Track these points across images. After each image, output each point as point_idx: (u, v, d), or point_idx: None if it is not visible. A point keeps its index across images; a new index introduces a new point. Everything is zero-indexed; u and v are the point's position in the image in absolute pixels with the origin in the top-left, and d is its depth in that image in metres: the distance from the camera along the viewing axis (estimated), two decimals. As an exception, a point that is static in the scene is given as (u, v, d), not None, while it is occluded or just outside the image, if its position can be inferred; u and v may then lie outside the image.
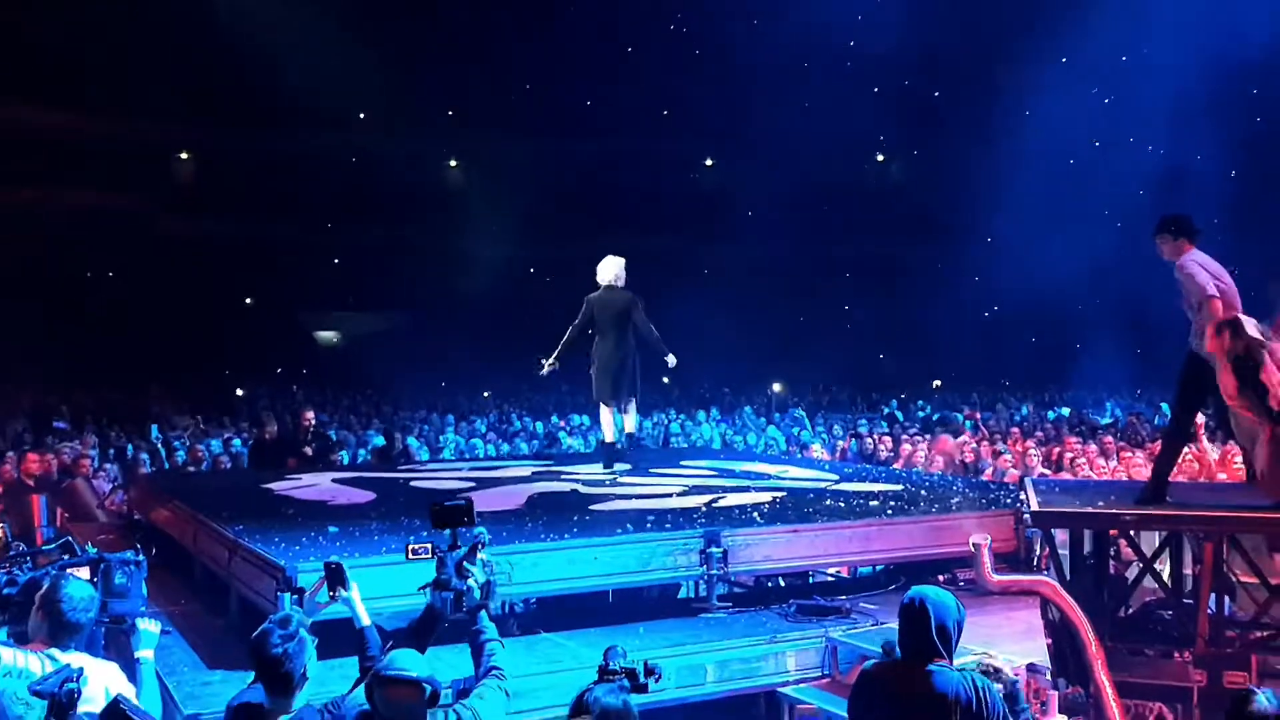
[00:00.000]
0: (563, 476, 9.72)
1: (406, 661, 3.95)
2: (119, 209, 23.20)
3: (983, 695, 4.11)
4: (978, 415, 14.52)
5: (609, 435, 10.14)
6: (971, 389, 22.50)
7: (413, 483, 9.53)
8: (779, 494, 8.47)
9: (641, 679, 4.32)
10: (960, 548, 7.27)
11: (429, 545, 4.81)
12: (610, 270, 9.87)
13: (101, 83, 21.39)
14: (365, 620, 4.80)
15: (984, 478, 11.09)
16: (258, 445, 12.77)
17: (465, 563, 4.61)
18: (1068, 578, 7.36)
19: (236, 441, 14.30)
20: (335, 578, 4.85)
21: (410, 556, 4.85)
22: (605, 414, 10.09)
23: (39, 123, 21.89)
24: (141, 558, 5.09)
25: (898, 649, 4.33)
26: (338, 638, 4.84)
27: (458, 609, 4.56)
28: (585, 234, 23.49)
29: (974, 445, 12.28)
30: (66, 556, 5.12)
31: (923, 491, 8.73)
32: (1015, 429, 15.16)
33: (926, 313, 22.85)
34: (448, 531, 4.77)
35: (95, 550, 5.19)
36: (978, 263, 22.94)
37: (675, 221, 24.56)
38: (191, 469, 12.58)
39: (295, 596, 5.54)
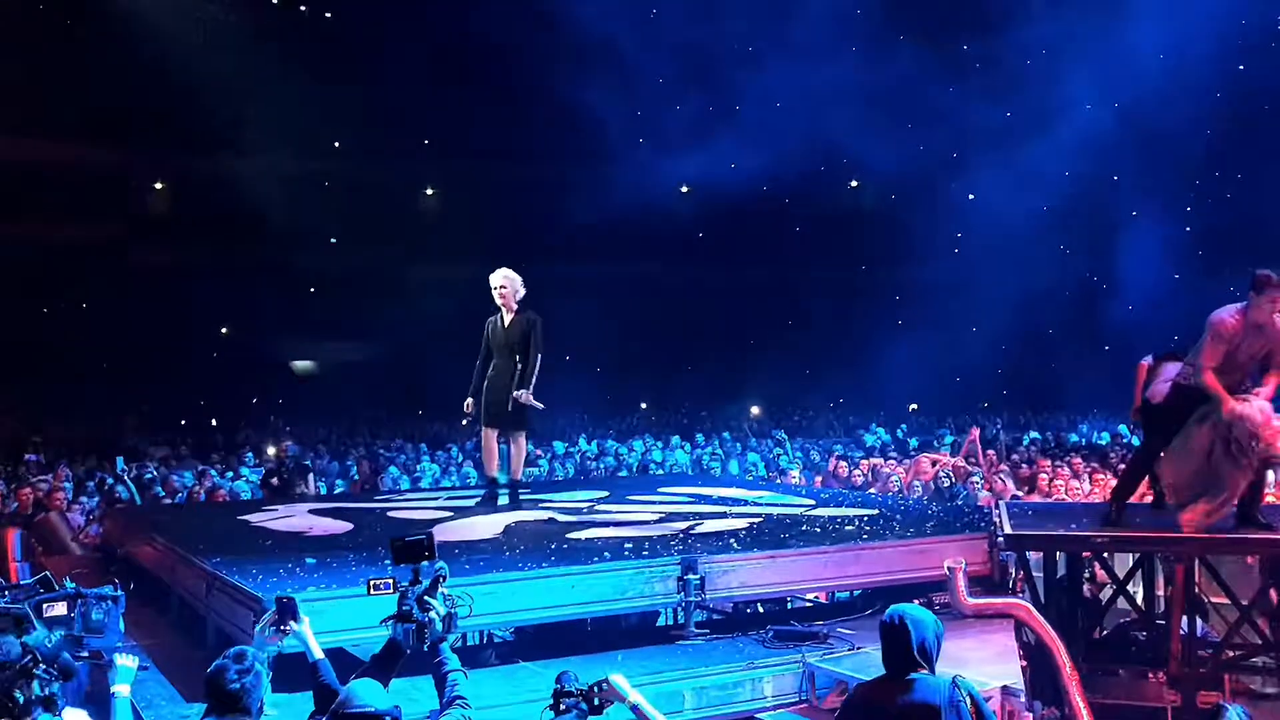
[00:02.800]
0: (540, 505, 9.72)
1: (368, 695, 3.95)
2: (90, 239, 23.09)
3: (970, 698, 4.17)
4: (975, 437, 14.53)
5: (491, 468, 9.47)
6: (947, 412, 22.66)
7: (390, 513, 9.51)
8: (756, 520, 8.51)
9: (596, 702, 4.37)
10: (936, 572, 7.33)
11: (390, 580, 4.81)
12: (496, 284, 9.10)
13: (69, 110, 21.34)
14: (318, 653, 4.76)
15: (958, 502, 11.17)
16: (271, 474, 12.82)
17: (426, 596, 4.63)
18: (1042, 600, 7.42)
19: (213, 473, 14.21)
20: (285, 612, 4.84)
21: (371, 591, 4.85)
22: (489, 441, 9.36)
23: (9, 153, 21.80)
24: (119, 593, 5.09)
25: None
26: (298, 671, 4.83)
27: (420, 641, 4.56)
28: (563, 259, 23.63)
29: (948, 470, 12.35)
30: (44, 591, 5.11)
31: (898, 516, 8.79)
32: (989, 451, 15.26)
33: (901, 336, 23.01)
34: (409, 567, 4.79)
35: (73, 585, 5.18)
36: (951, 285, 23.16)
37: (655, 246, 24.65)
38: (166, 501, 12.50)
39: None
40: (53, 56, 19.97)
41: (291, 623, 4.78)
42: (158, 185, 24.84)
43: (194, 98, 21.24)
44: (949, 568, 7.11)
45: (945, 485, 11.85)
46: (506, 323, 9.06)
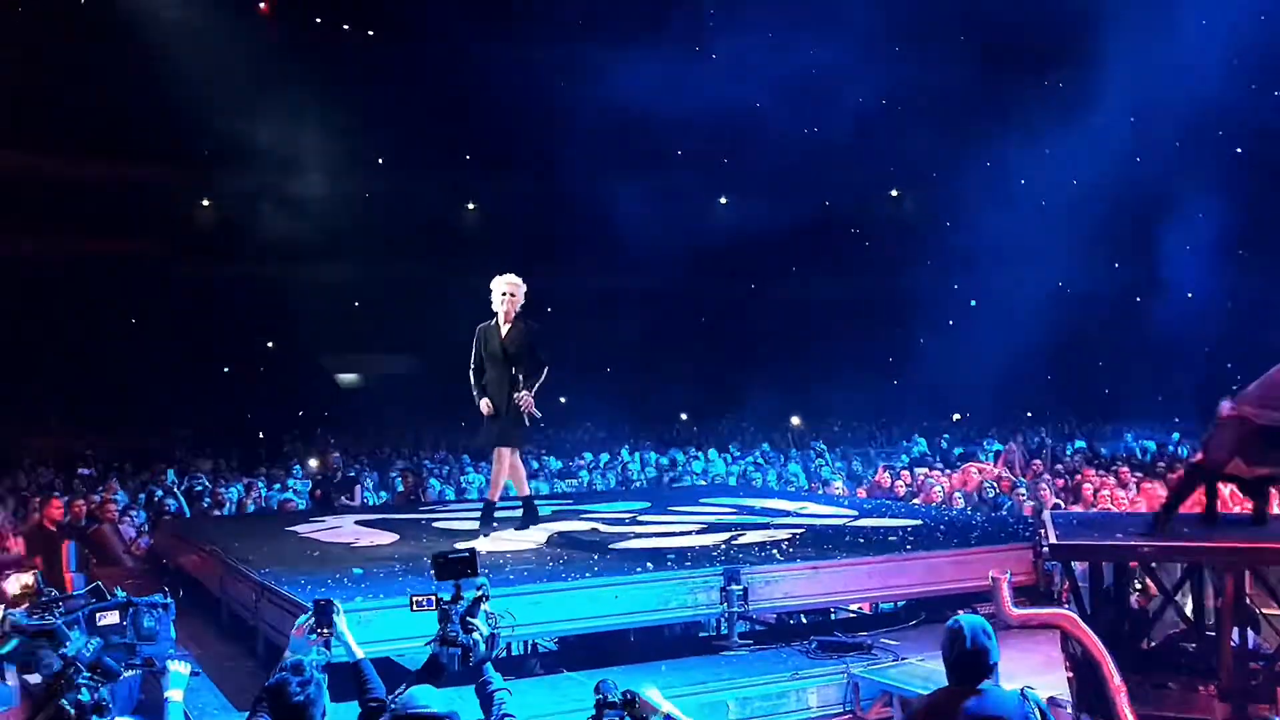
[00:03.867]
0: (582, 515, 9.77)
1: (428, 699, 3.95)
2: (138, 254, 23.49)
3: (1040, 711, 4.14)
4: (1015, 447, 14.41)
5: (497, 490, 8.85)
6: (990, 422, 22.48)
7: (435, 523, 9.59)
8: (798, 531, 8.50)
9: (638, 709, 4.38)
10: (980, 582, 7.29)
11: (433, 597, 4.83)
12: (505, 290, 8.53)
13: (115, 128, 21.73)
14: (358, 653, 4.75)
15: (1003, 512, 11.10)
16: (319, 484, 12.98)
17: (469, 616, 4.65)
18: (1088, 611, 7.35)
19: (261, 484, 14.41)
20: (323, 615, 4.88)
21: (414, 608, 4.89)
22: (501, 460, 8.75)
23: (62, 172, 22.25)
24: (170, 601, 5.17)
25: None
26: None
27: (464, 664, 4.58)
28: (603, 271, 23.76)
29: (993, 480, 12.27)
30: (96, 601, 5.21)
31: (942, 526, 8.75)
32: (1036, 461, 15.14)
33: (945, 346, 22.86)
34: (451, 582, 4.82)
35: (124, 594, 5.27)
36: (998, 294, 22.98)
37: (696, 257, 24.67)
38: (216, 513, 12.68)
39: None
40: (99, 76, 20.31)
41: (325, 628, 4.83)
42: (204, 201, 25.20)
43: (238, 115, 21.59)
44: (993, 578, 7.06)
45: (989, 495, 11.77)
46: (504, 331, 8.46)
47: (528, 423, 8.43)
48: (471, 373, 8.56)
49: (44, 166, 22.10)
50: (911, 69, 21.29)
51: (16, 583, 5.75)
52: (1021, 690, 4.21)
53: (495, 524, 8.67)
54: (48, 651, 4.44)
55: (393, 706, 4.03)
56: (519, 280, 8.57)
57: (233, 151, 22.62)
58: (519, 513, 8.92)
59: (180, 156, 22.66)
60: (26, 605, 5.42)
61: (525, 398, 8.26)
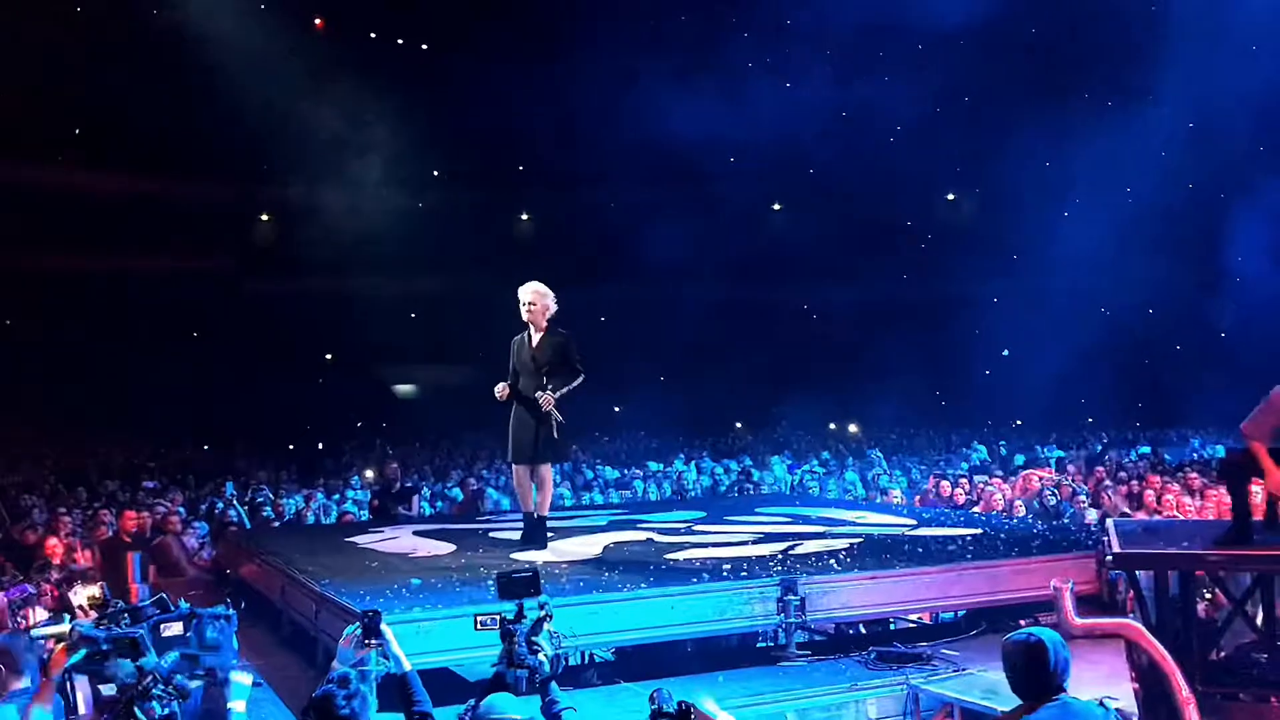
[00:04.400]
0: (638, 525, 9.76)
1: (510, 706, 4.00)
2: (204, 270, 23.91)
3: None
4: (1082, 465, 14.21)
5: (528, 503, 8.56)
6: (1051, 428, 22.16)
7: (491, 533, 9.64)
8: (857, 540, 8.44)
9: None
10: (1041, 591, 7.18)
11: (496, 616, 4.85)
12: (525, 300, 8.34)
13: (180, 146, 22.14)
14: (406, 665, 4.74)
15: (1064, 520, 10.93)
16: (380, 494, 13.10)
17: (533, 635, 4.67)
18: (1154, 621, 7.21)
19: (320, 495, 14.57)
20: (370, 626, 4.92)
21: (478, 628, 4.92)
22: (521, 477, 8.63)
23: (127, 189, 22.73)
24: (232, 612, 5.24)
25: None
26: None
27: (531, 686, 4.59)
28: (657, 280, 23.76)
29: (1053, 487, 12.08)
30: (160, 612, 5.29)
31: (1002, 535, 8.64)
32: (1099, 468, 14.90)
33: (1004, 351, 22.62)
34: (514, 601, 4.84)
35: (188, 605, 5.35)
36: (1058, 298, 22.68)
37: (750, 265, 24.63)
38: (276, 524, 12.83)
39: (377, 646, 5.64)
40: (159, 95, 20.70)
41: (373, 638, 4.87)
42: (264, 217, 25.58)
43: (296, 131, 21.92)
44: (1056, 587, 6.95)
45: (1051, 503, 11.59)
46: (535, 342, 8.27)
47: (556, 434, 8.12)
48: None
49: (109, 184, 22.61)
50: (968, 70, 21.06)
51: (84, 594, 5.88)
52: (1100, 700, 4.13)
53: (551, 534, 8.68)
54: (124, 661, 4.52)
55: (474, 715, 4.07)
56: (543, 288, 8.37)
57: (291, 167, 22.97)
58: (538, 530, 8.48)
59: (240, 172, 23.02)
60: (94, 616, 5.54)
61: (546, 396, 8.02)
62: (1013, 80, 22.03)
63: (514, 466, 8.61)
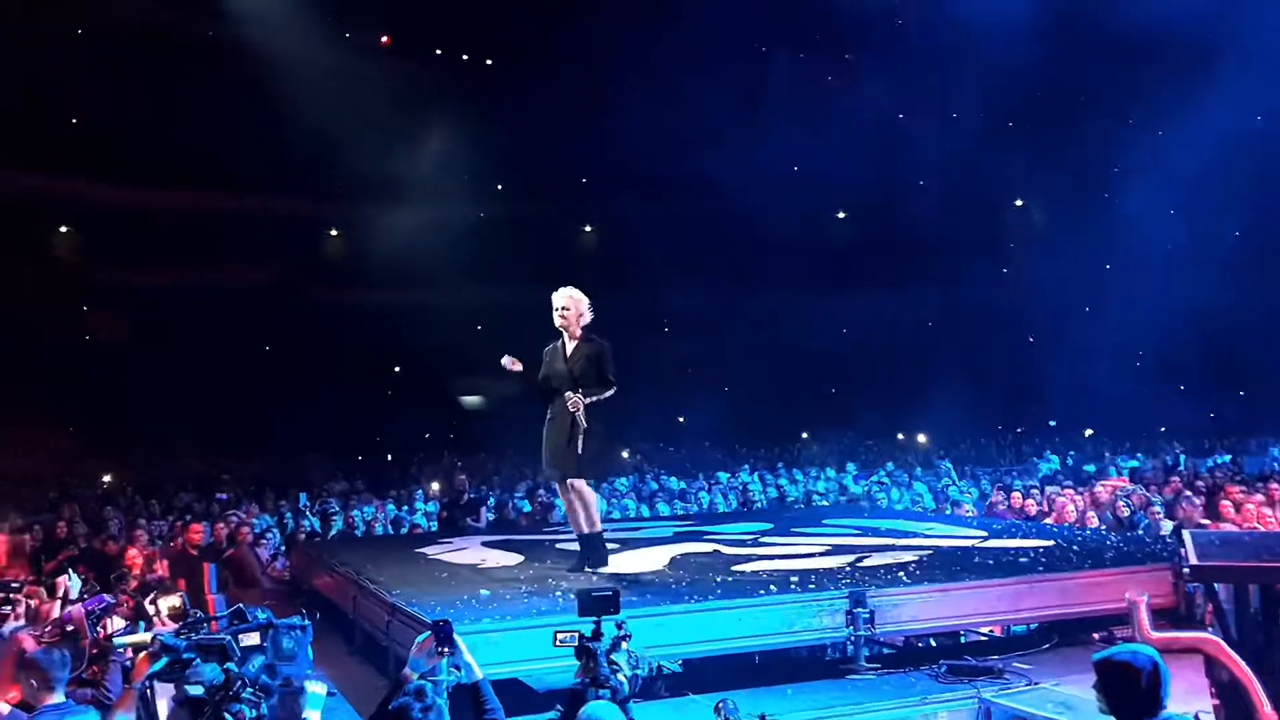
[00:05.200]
0: (704, 537, 9.76)
1: (609, 715, 4.07)
2: (275, 284, 24.36)
3: None
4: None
5: (576, 522, 8.07)
6: (1124, 437, 21.74)
7: (559, 545, 9.69)
8: (926, 552, 8.36)
9: None
10: (1116, 605, 7.07)
11: (575, 634, 4.90)
12: (558, 305, 7.97)
13: (250, 162, 22.60)
14: (478, 673, 4.79)
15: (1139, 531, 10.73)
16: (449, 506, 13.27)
17: (612, 654, 4.70)
18: (1235, 635, 7.04)
19: (390, 506, 14.76)
20: (442, 635, 4.97)
21: (557, 644, 4.96)
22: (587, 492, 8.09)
23: (199, 205, 23.25)
24: (307, 623, 5.34)
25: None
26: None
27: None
28: (722, 289, 23.74)
29: (1127, 498, 11.85)
30: (238, 622, 5.41)
31: (1075, 547, 8.51)
32: (1174, 478, 14.59)
33: (1076, 360, 22.24)
34: (591, 619, 4.87)
35: (265, 615, 5.45)
36: (1133, 304, 22.27)
37: (807, 274, 24.50)
38: (347, 535, 13.01)
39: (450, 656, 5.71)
40: (233, 113, 21.14)
41: (446, 648, 4.92)
42: (332, 231, 25.99)
43: (362, 146, 22.28)
44: (1131, 601, 6.82)
45: (1125, 514, 11.37)
46: (568, 350, 7.88)
47: (587, 447, 7.65)
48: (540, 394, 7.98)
49: (181, 201, 23.13)
50: (1037, 74, 20.80)
51: (165, 604, 6.01)
52: (1195, 715, 4.02)
53: (616, 545, 8.70)
54: (211, 665, 4.64)
55: None
56: (578, 294, 7.99)
57: (358, 182, 23.32)
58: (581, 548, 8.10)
59: (310, 189, 23.42)
60: (175, 626, 5.68)
61: (576, 398, 7.61)
62: (1087, 80, 21.70)
63: (558, 486, 8.11)
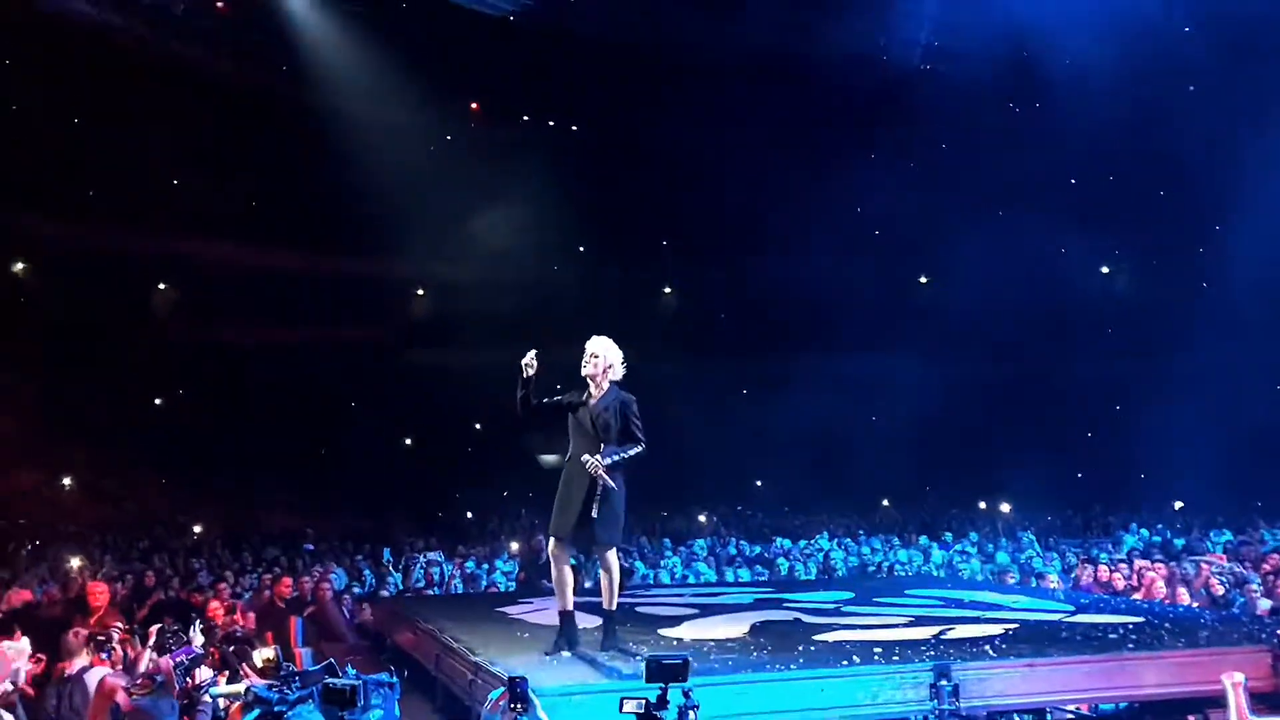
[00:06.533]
0: (784, 604, 9.70)
1: None
2: (362, 342, 24.90)
3: None
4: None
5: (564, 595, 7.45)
6: (1217, 511, 21.11)
7: (637, 608, 9.69)
8: (1011, 625, 8.22)
9: None
10: (1210, 686, 6.87)
11: (643, 700, 4.94)
12: (587, 352, 7.49)
13: (343, 227, 23.25)
14: None
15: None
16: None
17: None
18: (1338, 722, 6.82)
19: (470, 563, 14.89)
20: (516, 693, 5.00)
21: (623, 710, 5.00)
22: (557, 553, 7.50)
23: (290, 266, 23.95)
24: (395, 680, 5.45)
25: None
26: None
27: None
28: (801, 353, 23.68)
29: (1222, 574, 11.52)
30: (330, 677, 5.52)
31: (1166, 624, 8.30)
32: (1275, 555, 14.13)
33: (1162, 428, 21.73)
34: (658, 686, 4.91)
35: (354, 672, 5.57)
36: (1221, 376, 21.76)
37: (895, 338, 24.35)
38: (429, 591, 13.16)
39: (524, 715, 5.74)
40: (329, 176, 21.79)
41: (520, 704, 4.97)
42: (419, 291, 26.52)
43: (451, 209, 22.82)
44: (1228, 682, 6.64)
45: (1219, 592, 11.05)
46: (593, 401, 7.35)
47: (607, 510, 7.09)
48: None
49: (273, 261, 23.86)
50: (1121, 135, 20.61)
51: (259, 657, 6.16)
52: None
53: (695, 611, 8.67)
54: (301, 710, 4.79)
55: None
56: (610, 344, 7.50)
57: (444, 243, 23.83)
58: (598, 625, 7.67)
59: (397, 249, 23.96)
60: (265, 678, 5.82)
61: (594, 461, 7.08)
62: (1175, 143, 21.42)
63: (550, 541, 7.46)
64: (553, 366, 7.74)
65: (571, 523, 7.16)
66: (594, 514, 7.04)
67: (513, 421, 7.60)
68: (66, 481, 21.64)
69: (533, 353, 7.40)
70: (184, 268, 23.71)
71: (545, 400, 7.48)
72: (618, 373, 7.40)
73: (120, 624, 8.81)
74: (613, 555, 7.31)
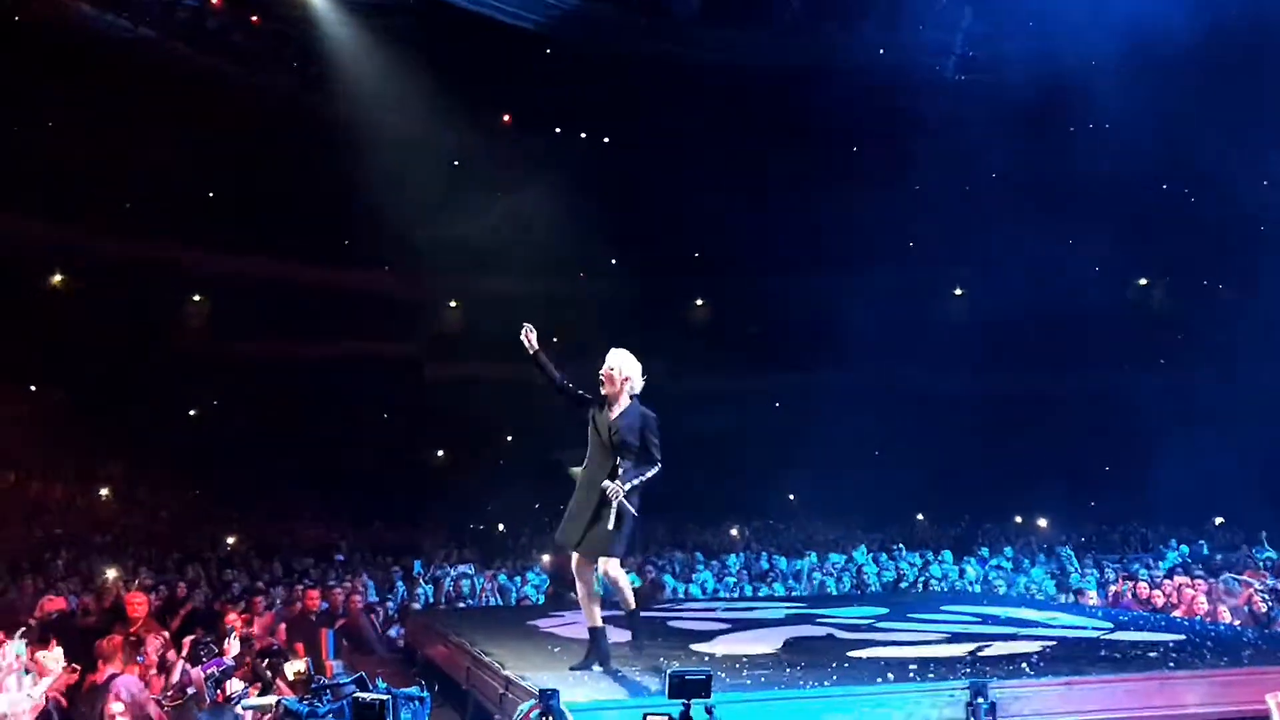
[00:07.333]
0: (817, 620, 9.60)
1: None
2: (394, 355, 25.01)
3: None
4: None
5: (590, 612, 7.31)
6: (1258, 525, 20.77)
7: (670, 623, 9.63)
8: (1049, 643, 8.09)
9: None
10: (1254, 705, 6.72)
11: (666, 716, 4.95)
12: (606, 364, 7.35)
13: (377, 240, 23.38)
14: None
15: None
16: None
17: None
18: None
19: (501, 576, 14.86)
20: (547, 705, 4.98)
21: None
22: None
23: (321, 279, 24.11)
24: (426, 694, 5.42)
25: None
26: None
27: None
28: (834, 367, 23.56)
29: (1266, 591, 11.32)
30: (360, 690, 5.50)
31: (1208, 642, 8.15)
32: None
33: (1204, 442, 21.43)
34: (681, 702, 4.88)
35: (385, 685, 5.55)
36: (1263, 391, 21.45)
37: (929, 351, 24.17)
38: (460, 605, 13.13)
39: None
40: (360, 192, 21.91)
41: (551, 716, 4.94)
42: (451, 304, 26.61)
43: (482, 224, 22.90)
44: (1272, 702, 6.50)
45: (1262, 610, 10.86)
46: (611, 415, 7.22)
47: (616, 525, 6.94)
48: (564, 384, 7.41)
49: (308, 274, 24.04)
50: (1160, 145, 20.44)
51: (290, 669, 6.15)
52: None
53: (727, 626, 8.59)
54: None
55: None
56: (630, 357, 7.37)
57: (476, 256, 23.90)
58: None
59: (430, 262, 24.06)
60: (297, 691, 5.80)
61: (613, 486, 6.97)
62: (1209, 157, 21.18)
63: (574, 557, 7.32)
64: (584, 380, 7.69)
65: (579, 533, 7.12)
66: (609, 525, 6.97)
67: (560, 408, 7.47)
68: (103, 492, 21.80)
69: (527, 326, 7.44)
70: (219, 280, 23.92)
71: (571, 385, 7.48)
72: (636, 386, 7.28)
73: (160, 634, 8.84)
74: (615, 566, 7.20)
